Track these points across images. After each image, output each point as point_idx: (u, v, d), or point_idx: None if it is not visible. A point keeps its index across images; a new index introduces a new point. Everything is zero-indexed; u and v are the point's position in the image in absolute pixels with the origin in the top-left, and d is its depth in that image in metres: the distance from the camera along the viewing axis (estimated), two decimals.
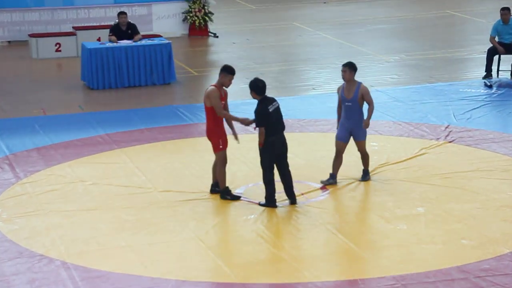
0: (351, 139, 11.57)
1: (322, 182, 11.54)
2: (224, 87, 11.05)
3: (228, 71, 11.01)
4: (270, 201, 10.87)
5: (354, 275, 9.09)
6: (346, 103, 11.39)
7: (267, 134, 10.77)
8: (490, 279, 8.93)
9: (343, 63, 11.56)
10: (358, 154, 12.69)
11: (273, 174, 10.83)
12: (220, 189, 11.16)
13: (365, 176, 11.66)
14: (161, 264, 9.43)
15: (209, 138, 11.10)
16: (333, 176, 11.55)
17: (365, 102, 11.47)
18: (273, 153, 10.79)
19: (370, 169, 12.14)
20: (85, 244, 9.95)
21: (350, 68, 11.39)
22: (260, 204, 10.94)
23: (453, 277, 8.99)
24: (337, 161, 11.54)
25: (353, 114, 11.38)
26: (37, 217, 10.73)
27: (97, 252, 9.75)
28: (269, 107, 10.77)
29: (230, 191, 11.15)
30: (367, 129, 11.58)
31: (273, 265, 9.41)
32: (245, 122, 10.99)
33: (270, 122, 10.75)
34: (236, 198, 11.13)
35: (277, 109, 10.87)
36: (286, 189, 10.93)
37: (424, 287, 8.81)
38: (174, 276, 9.14)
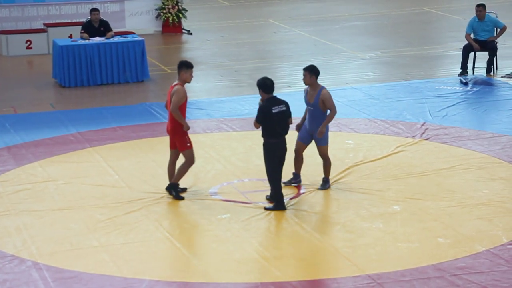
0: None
1: (284, 183, 11.19)
2: (186, 83, 10.99)
3: (187, 66, 10.94)
4: (278, 205, 10.66)
5: (330, 274, 9.04)
6: (309, 107, 11.14)
7: (267, 136, 10.56)
8: (466, 277, 8.91)
9: (304, 67, 11.13)
10: (337, 153, 12.65)
11: (279, 176, 10.63)
12: (171, 182, 11.07)
13: (325, 184, 11.32)
14: (135, 264, 9.34)
15: (174, 136, 11.00)
16: (296, 176, 11.41)
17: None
18: (275, 155, 10.59)
19: (346, 166, 12.10)
20: (57, 244, 9.83)
21: (310, 72, 10.96)
22: (266, 209, 10.69)
23: (429, 275, 8.97)
24: (298, 160, 11.35)
25: (314, 119, 11.10)
26: (8, 217, 10.59)
27: (69, 252, 9.64)
28: (273, 108, 10.56)
29: (179, 190, 11.09)
30: (330, 134, 11.28)
31: (248, 265, 9.34)
32: (186, 127, 10.89)
33: (270, 124, 10.52)
34: (180, 198, 11.01)
35: (282, 113, 10.59)
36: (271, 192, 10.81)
37: (400, 285, 8.78)
38: (147, 276, 9.05)
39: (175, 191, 11.06)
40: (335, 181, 11.59)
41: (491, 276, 8.93)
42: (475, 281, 8.82)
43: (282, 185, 10.80)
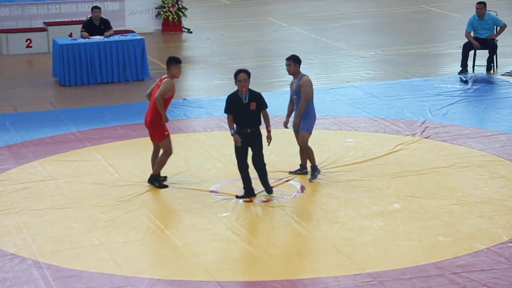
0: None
1: (290, 172, 11.70)
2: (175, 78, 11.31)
3: (175, 61, 11.27)
4: (246, 192, 10.88)
5: (330, 272, 9.03)
6: (294, 95, 11.49)
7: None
8: (466, 275, 8.91)
9: (286, 57, 11.49)
10: (337, 151, 12.67)
11: (240, 165, 10.88)
12: (152, 174, 11.31)
13: (314, 172, 11.44)
14: (135, 263, 9.33)
15: (154, 127, 11.21)
16: (302, 167, 11.69)
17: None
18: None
19: (344, 163, 12.10)
20: (57, 243, 9.83)
21: (294, 61, 11.34)
22: (237, 197, 10.86)
23: (429, 273, 8.97)
24: (302, 152, 11.65)
25: (297, 106, 11.42)
26: (8, 216, 10.59)
27: (69, 251, 9.64)
28: None
29: (160, 179, 11.37)
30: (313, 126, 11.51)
31: (248, 263, 9.34)
32: (165, 119, 11.10)
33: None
34: (164, 187, 11.28)
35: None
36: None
37: (400, 283, 8.77)
38: (148, 275, 9.05)
39: (157, 181, 11.29)
40: (335, 179, 11.60)
41: (492, 274, 8.93)
42: (475, 279, 8.82)
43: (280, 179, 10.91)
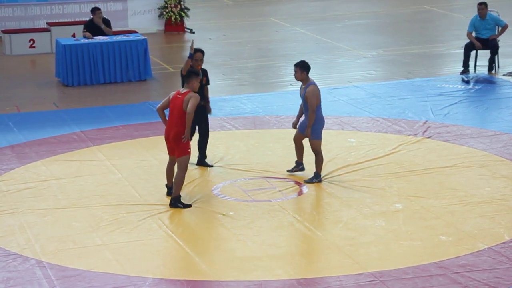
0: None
1: (288, 171, 11.70)
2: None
3: (196, 74, 10.85)
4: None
5: (332, 272, 9.05)
6: (302, 101, 11.47)
7: None
8: (468, 275, 8.92)
9: (294, 63, 11.48)
10: (339, 151, 12.69)
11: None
12: (173, 196, 10.79)
13: (313, 178, 11.41)
14: (138, 262, 9.35)
15: (177, 142, 10.69)
16: (298, 164, 11.68)
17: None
18: None
19: (346, 163, 12.11)
20: (60, 242, 9.85)
21: (301, 68, 11.32)
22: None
23: (431, 273, 8.98)
24: (298, 149, 11.64)
25: (305, 111, 11.43)
26: (12, 216, 10.61)
27: (72, 250, 9.66)
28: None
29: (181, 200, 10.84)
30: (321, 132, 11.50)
31: (251, 263, 9.35)
32: (188, 136, 10.67)
33: None
34: (188, 206, 10.78)
35: None
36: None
37: (402, 283, 8.79)
38: (150, 274, 9.07)
39: (180, 203, 10.76)
40: (337, 179, 11.62)
41: (493, 274, 8.95)
42: (477, 279, 8.84)
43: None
